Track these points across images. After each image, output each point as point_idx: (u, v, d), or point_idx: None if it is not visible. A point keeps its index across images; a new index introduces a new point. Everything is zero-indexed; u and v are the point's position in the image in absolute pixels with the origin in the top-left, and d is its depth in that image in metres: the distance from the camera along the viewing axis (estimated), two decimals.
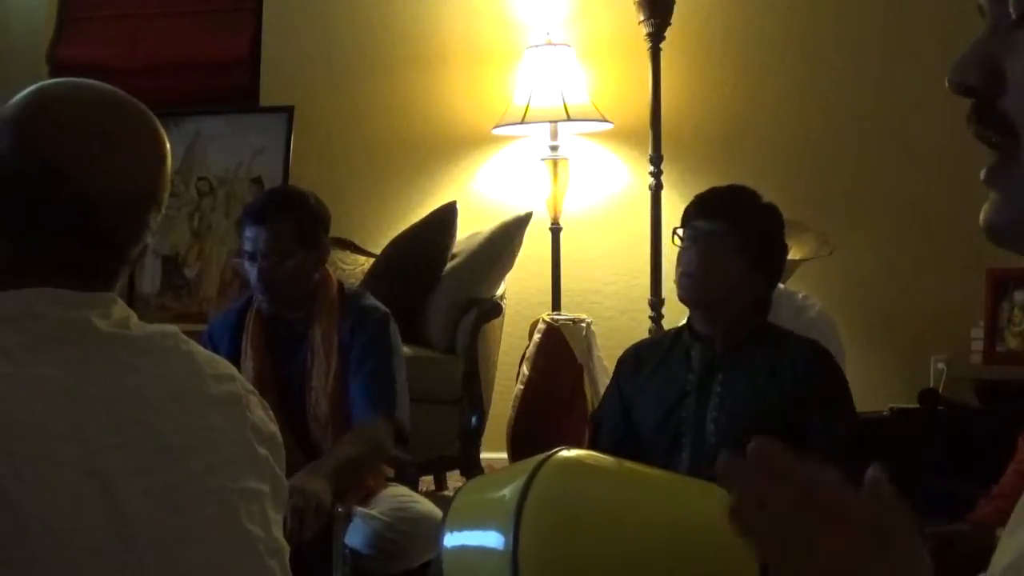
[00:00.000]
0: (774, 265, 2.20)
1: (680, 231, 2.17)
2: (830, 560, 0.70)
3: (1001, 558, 0.68)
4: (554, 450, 1.09)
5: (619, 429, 2.21)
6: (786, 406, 2.06)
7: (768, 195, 2.24)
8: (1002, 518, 2.06)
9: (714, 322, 2.15)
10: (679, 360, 2.17)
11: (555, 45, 4.17)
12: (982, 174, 0.67)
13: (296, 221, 2.45)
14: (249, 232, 2.46)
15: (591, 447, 2.31)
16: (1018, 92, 0.64)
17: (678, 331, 2.26)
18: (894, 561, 0.70)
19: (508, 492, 1.04)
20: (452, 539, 1.09)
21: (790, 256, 3.47)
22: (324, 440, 2.46)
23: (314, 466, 2.27)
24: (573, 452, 1.11)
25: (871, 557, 0.70)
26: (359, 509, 2.29)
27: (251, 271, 2.46)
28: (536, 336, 3.95)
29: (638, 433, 2.18)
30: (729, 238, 2.10)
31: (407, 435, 2.52)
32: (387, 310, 2.57)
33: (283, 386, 2.48)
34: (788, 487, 0.73)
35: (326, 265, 2.58)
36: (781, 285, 2.92)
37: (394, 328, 2.55)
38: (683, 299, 2.20)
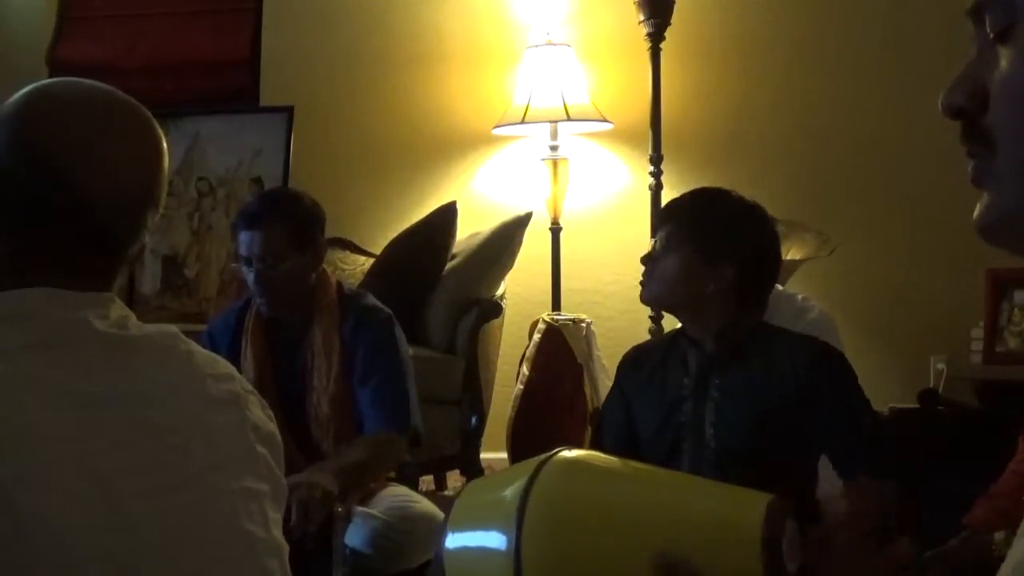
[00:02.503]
0: (736, 250, 2.05)
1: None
2: None
3: (1004, 570, 0.68)
4: (555, 450, 1.09)
5: (622, 428, 2.19)
6: (787, 408, 2.02)
7: (768, 195, 2.23)
8: (999, 518, 2.05)
9: (700, 325, 2.11)
10: (676, 364, 2.14)
11: (555, 45, 4.18)
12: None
13: (290, 224, 2.44)
14: (243, 237, 2.45)
15: (594, 447, 2.29)
16: (997, 105, 0.65)
17: (674, 335, 2.22)
18: None
19: (510, 492, 1.03)
20: (454, 540, 1.08)
21: (790, 256, 3.48)
22: (324, 441, 2.45)
23: (322, 464, 2.28)
24: (575, 452, 1.10)
25: None
26: (359, 509, 2.29)
27: (247, 275, 2.46)
28: (536, 336, 3.96)
29: (639, 437, 2.16)
30: (673, 239, 2.07)
31: (422, 438, 2.52)
32: (390, 311, 2.56)
33: (283, 387, 2.48)
34: None
35: (324, 266, 2.57)
36: (780, 287, 2.89)
37: (399, 330, 2.54)
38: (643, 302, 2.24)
